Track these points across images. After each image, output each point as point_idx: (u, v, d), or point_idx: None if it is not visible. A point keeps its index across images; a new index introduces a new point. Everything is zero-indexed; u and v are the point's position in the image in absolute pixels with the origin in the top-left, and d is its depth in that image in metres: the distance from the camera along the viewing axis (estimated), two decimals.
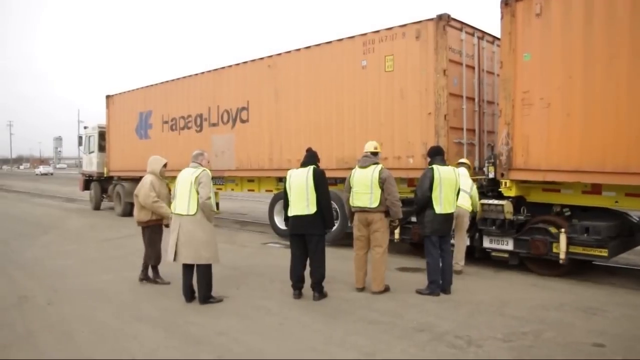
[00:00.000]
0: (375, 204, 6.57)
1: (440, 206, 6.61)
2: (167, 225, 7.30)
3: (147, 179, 7.19)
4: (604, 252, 7.11)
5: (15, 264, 8.97)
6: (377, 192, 6.55)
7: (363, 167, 6.70)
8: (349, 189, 6.79)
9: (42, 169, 79.49)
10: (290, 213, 6.54)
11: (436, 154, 6.90)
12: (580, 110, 6.96)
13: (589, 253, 7.23)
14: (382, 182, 6.54)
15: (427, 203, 6.65)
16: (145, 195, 7.08)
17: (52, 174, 75.03)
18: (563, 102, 7.11)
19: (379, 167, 6.67)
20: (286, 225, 6.91)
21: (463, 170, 7.88)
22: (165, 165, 7.41)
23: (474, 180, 8.70)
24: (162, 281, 7.31)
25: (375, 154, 6.88)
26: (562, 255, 7.26)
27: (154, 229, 7.32)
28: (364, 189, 6.61)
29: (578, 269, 7.77)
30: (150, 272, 7.42)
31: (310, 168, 6.51)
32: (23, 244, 11.07)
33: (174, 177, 6.74)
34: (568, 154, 7.08)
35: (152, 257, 7.31)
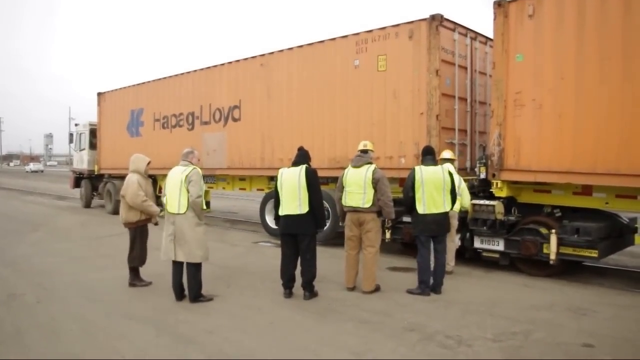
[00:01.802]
0: (368, 204, 6.56)
1: (424, 207, 6.60)
2: (155, 224, 7.25)
3: (133, 178, 7.01)
4: (594, 253, 7.15)
5: (4, 262, 8.88)
6: (370, 192, 6.54)
7: (356, 166, 6.69)
8: (342, 188, 6.77)
9: (32, 166, 78.87)
10: (282, 212, 6.51)
11: (426, 154, 6.91)
12: (572, 112, 6.99)
13: (579, 254, 7.27)
14: (376, 182, 6.53)
15: (412, 203, 6.67)
16: (133, 194, 6.90)
17: (42, 171, 74.44)
18: (555, 104, 7.14)
19: (373, 167, 6.67)
20: (276, 224, 6.89)
21: (448, 167, 7.84)
22: (148, 164, 7.24)
23: (465, 180, 8.72)
24: (144, 283, 7.15)
25: (365, 151, 6.87)
26: (553, 256, 7.29)
27: (142, 230, 7.18)
28: (357, 189, 6.59)
29: (568, 270, 7.81)
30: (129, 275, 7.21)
31: (302, 167, 6.49)
32: (12, 242, 10.98)
33: (165, 175, 6.70)
34: (559, 155, 7.11)
35: (137, 258, 7.11)
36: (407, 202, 6.77)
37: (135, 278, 7.16)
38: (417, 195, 6.62)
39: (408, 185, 6.69)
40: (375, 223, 6.68)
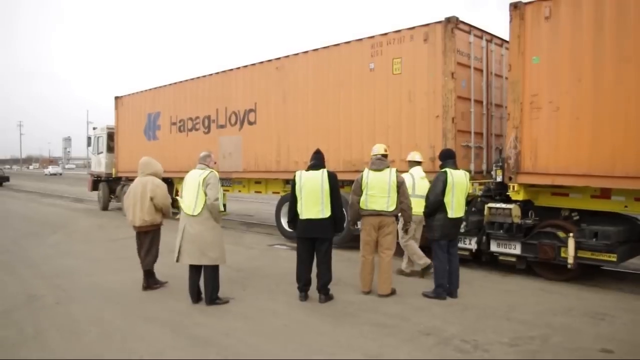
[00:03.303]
0: (392, 208, 6.57)
1: (452, 210, 6.57)
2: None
3: (158, 181, 7.10)
4: (613, 257, 7.06)
5: (25, 263, 9.03)
6: (394, 195, 6.55)
7: (378, 170, 6.66)
8: (359, 192, 6.72)
9: (51, 169, 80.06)
10: (303, 216, 6.46)
11: (448, 157, 6.82)
12: (589, 114, 6.91)
13: (598, 258, 7.18)
14: (399, 186, 6.55)
15: (439, 207, 6.62)
16: (164, 196, 7.01)
17: (61, 174, 75.45)
18: (572, 106, 7.07)
19: (394, 170, 6.69)
20: (290, 227, 6.88)
21: (418, 171, 7.76)
22: None
23: (481, 184, 8.67)
24: (159, 284, 7.19)
25: (385, 156, 6.88)
26: (571, 260, 7.20)
27: (158, 232, 7.23)
28: (380, 192, 6.57)
29: (586, 274, 7.72)
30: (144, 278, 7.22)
31: (324, 171, 6.47)
32: (32, 243, 11.15)
33: (182, 178, 6.76)
34: (577, 158, 7.04)
35: (153, 260, 7.15)
36: (434, 206, 6.63)
37: (151, 280, 7.18)
38: (447, 199, 6.55)
39: (439, 188, 6.54)
40: (394, 226, 6.70)
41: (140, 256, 7.20)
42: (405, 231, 7.23)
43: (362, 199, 6.69)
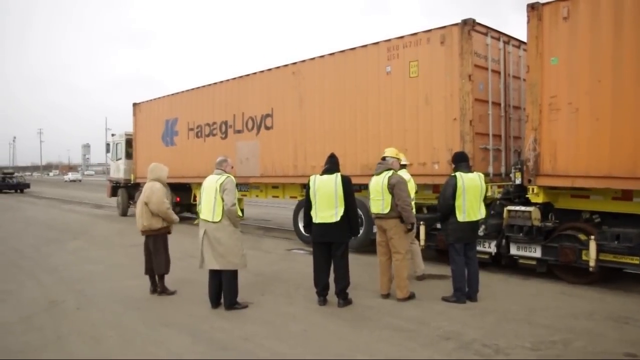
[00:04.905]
0: (386, 210, 6.59)
1: (464, 214, 6.54)
2: (169, 232, 7.33)
3: (157, 186, 7.09)
4: (636, 260, 6.94)
5: (46, 269, 9.15)
6: (388, 197, 6.57)
7: (377, 173, 6.78)
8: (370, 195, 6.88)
9: (70, 175, 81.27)
10: (316, 220, 6.50)
11: (461, 160, 6.81)
12: (609, 115, 6.82)
13: (620, 261, 7.07)
14: (391, 188, 6.53)
15: (450, 211, 6.59)
16: (160, 202, 6.97)
17: (80, 180, 76.42)
18: (592, 107, 6.98)
19: (390, 172, 6.70)
20: (306, 231, 6.93)
21: (403, 174, 7.52)
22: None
23: (499, 186, 8.59)
24: (169, 291, 7.18)
25: (384, 158, 6.92)
26: (592, 263, 7.10)
27: (163, 237, 7.23)
28: (376, 195, 6.69)
29: (608, 277, 7.60)
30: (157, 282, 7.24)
31: (338, 175, 6.49)
32: (53, 249, 11.30)
33: (200, 184, 6.80)
34: (597, 160, 6.94)
35: (164, 265, 7.16)
36: (445, 210, 6.66)
37: (161, 285, 7.19)
38: (457, 203, 6.54)
39: (448, 193, 6.57)
40: (397, 229, 6.64)
41: (146, 259, 7.24)
42: (408, 232, 7.17)
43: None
